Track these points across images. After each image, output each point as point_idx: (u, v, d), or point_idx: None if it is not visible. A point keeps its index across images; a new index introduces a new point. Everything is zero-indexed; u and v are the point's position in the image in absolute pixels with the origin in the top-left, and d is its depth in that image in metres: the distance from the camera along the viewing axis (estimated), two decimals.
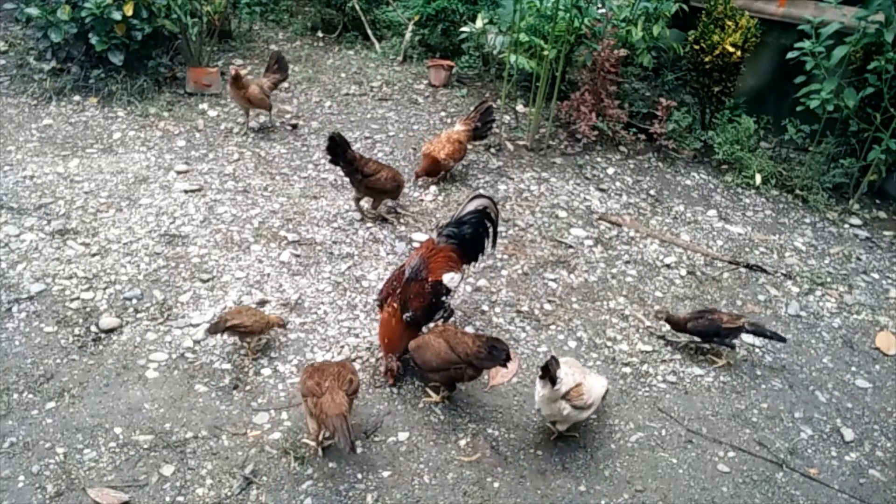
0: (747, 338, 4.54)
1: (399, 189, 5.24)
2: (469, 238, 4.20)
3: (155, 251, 4.78)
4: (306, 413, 3.43)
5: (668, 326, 4.41)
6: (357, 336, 4.26)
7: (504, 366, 3.70)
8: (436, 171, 5.65)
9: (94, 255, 4.70)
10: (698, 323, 4.26)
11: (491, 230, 4.30)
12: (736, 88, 6.60)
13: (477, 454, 3.62)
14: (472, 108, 6.03)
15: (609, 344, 4.39)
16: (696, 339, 4.36)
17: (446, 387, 3.86)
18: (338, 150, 4.93)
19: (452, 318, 4.21)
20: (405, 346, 3.90)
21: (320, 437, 3.49)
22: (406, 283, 3.95)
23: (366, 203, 5.27)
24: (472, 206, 4.23)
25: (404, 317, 3.88)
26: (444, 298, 4.01)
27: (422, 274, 3.97)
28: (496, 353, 3.60)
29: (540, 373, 3.45)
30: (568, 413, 3.54)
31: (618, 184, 6.10)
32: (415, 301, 3.91)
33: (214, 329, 3.91)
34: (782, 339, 4.35)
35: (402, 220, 5.33)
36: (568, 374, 3.51)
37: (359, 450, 3.57)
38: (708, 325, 4.22)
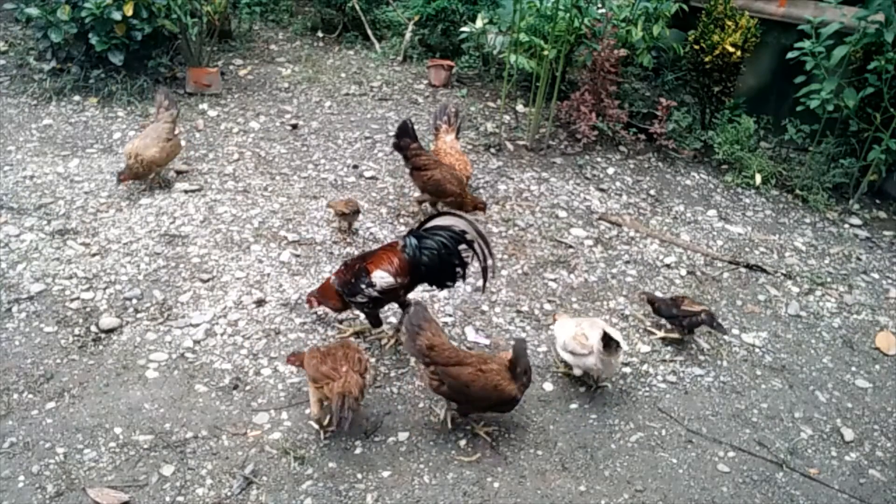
0: (747, 338, 4.55)
1: (446, 195, 5.10)
2: (426, 261, 3.95)
3: (155, 251, 4.78)
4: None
5: (649, 308, 4.58)
6: (358, 335, 4.26)
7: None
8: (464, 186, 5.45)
9: (94, 255, 4.70)
10: (663, 303, 4.43)
11: (468, 260, 4.05)
12: (736, 88, 6.60)
13: (477, 454, 3.62)
14: (445, 115, 5.70)
15: None
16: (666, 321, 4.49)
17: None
18: (399, 133, 5.11)
19: (389, 331, 4.25)
20: (329, 304, 4.14)
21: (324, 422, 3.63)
22: (353, 258, 4.21)
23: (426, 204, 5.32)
24: (441, 223, 4.01)
25: (331, 280, 4.12)
26: (363, 287, 3.93)
27: (367, 257, 4.09)
28: None
29: (603, 344, 3.69)
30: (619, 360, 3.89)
31: (618, 184, 6.10)
32: (341, 272, 4.10)
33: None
34: (723, 331, 4.43)
35: (400, 220, 5.33)
36: (589, 328, 3.84)
37: (358, 450, 3.57)
38: (670, 305, 4.37)
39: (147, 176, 5.28)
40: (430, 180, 5.11)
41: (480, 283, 4.75)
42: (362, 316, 4.25)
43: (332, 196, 5.52)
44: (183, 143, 5.77)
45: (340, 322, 4.35)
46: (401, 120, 5.30)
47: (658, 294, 4.74)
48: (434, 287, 4.17)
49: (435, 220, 4.02)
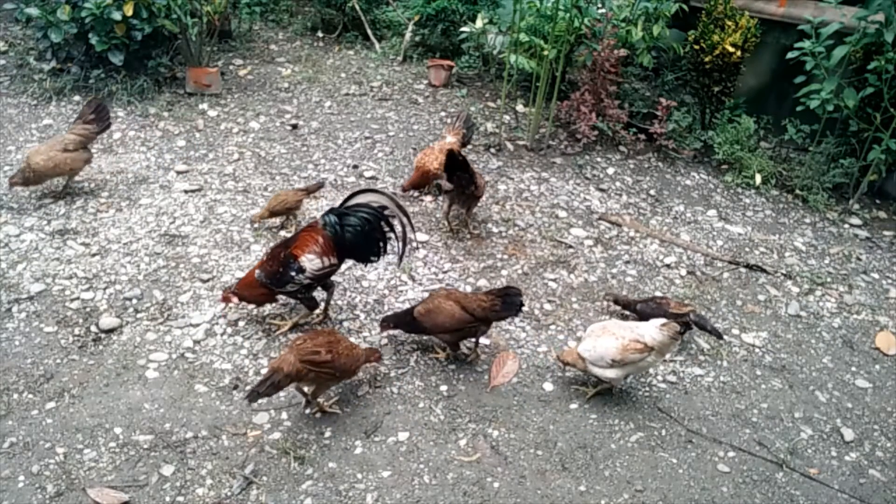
0: (747, 338, 4.55)
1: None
2: (349, 237, 4.03)
3: (155, 251, 4.78)
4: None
5: (615, 307, 4.59)
6: (358, 334, 4.26)
7: (518, 313, 3.97)
8: (424, 183, 5.50)
9: (94, 255, 4.70)
10: (647, 306, 4.37)
11: (390, 234, 4.13)
12: (736, 88, 6.60)
13: (477, 454, 3.62)
14: (454, 119, 5.78)
15: None
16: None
17: (451, 347, 4.09)
18: (458, 164, 4.89)
19: (316, 313, 4.30)
20: (253, 298, 4.12)
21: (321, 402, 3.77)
22: (274, 247, 4.16)
23: (454, 212, 5.24)
24: (361, 200, 4.09)
25: (255, 273, 4.05)
26: (293, 274, 3.96)
27: (290, 243, 4.05)
28: (509, 300, 3.87)
29: (681, 336, 3.80)
30: None
31: (618, 184, 6.10)
32: (266, 263, 4.05)
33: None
34: (720, 336, 4.36)
35: None
36: (632, 331, 3.81)
37: (358, 450, 3.57)
38: (655, 309, 4.31)
39: (37, 184, 5.05)
40: (483, 185, 5.12)
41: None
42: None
43: (331, 196, 5.52)
44: (94, 157, 5.24)
45: (273, 318, 4.31)
46: (449, 151, 4.96)
47: (625, 294, 4.68)
48: (358, 263, 4.26)
49: (356, 198, 4.09)
